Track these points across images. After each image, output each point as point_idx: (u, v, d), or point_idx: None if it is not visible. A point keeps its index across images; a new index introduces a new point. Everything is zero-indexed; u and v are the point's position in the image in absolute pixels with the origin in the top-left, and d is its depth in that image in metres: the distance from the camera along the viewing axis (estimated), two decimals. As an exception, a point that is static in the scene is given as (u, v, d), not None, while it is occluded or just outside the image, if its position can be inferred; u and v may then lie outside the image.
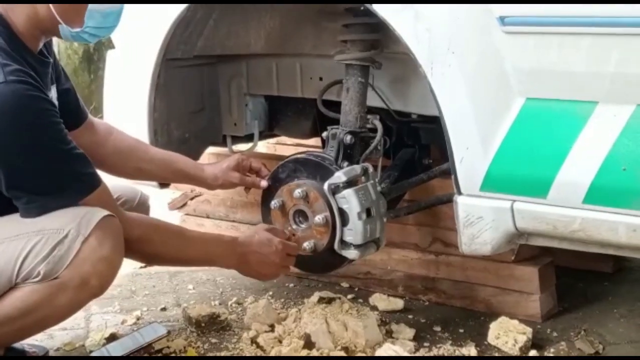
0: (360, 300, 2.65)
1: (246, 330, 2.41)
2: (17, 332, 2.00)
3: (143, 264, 3.05)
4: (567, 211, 1.99)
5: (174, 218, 3.20)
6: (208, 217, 3.22)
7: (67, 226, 1.91)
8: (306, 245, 2.33)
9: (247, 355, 2.27)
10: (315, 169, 2.36)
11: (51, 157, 1.92)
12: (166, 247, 2.16)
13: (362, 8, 2.28)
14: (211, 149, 3.08)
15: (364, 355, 2.23)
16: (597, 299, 2.66)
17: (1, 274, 1.90)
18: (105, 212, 1.95)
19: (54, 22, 2.00)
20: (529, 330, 2.29)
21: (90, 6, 1.99)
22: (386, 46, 2.44)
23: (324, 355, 2.22)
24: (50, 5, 1.97)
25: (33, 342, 2.30)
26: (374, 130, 2.44)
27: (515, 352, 2.25)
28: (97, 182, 2.02)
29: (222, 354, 2.31)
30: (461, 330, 2.45)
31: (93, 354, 2.29)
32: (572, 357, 2.22)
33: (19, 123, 1.87)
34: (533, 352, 2.25)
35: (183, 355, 2.29)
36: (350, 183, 2.27)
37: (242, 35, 2.73)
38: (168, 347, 2.33)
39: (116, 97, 2.82)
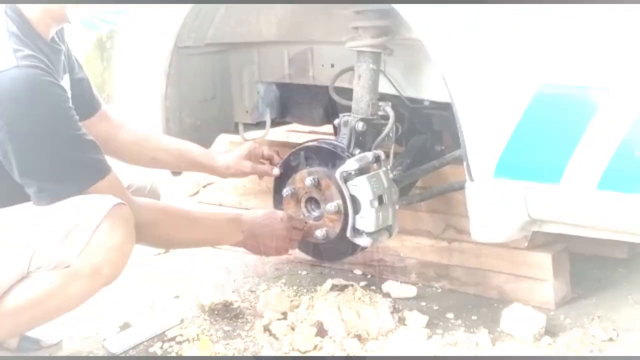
0: (373, 288, 2.64)
1: (259, 318, 2.42)
2: (30, 320, 2.01)
3: (157, 252, 3.07)
4: (581, 197, 1.98)
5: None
6: (221, 204, 3.23)
7: (79, 215, 1.92)
8: (318, 233, 2.34)
9: (260, 342, 2.28)
10: (327, 156, 2.36)
11: (63, 142, 1.93)
12: (175, 230, 2.18)
13: (373, -6, 2.27)
14: (223, 137, 3.08)
15: (376, 342, 2.23)
16: (611, 285, 2.65)
17: (13, 263, 1.91)
18: (116, 200, 1.96)
19: (62, 7, 2.00)
20: (542, 316, 2.29)
21: None
22: (398, 33, 2.42)
23: (336, 342, 2.22)
24: None
25: (47, 331, 2.32)
26: (386, 117, 2.43)
27: (529, 339, 2.24)
28: (107, 168, 2.03)
29: (235, 341, 2.31)
30: (474, 317, 2.44)
31: (106, 342, 2.30)
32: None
33: (31, 107, 1.87)
34: (546, 339, 2.24)
35: (196, 342, 2.30)
36: (362, 170, 2.26)
37: (253, 22, 2.73)
38: (181, 335, 2.34)
39: (128, 85, 2.83)
